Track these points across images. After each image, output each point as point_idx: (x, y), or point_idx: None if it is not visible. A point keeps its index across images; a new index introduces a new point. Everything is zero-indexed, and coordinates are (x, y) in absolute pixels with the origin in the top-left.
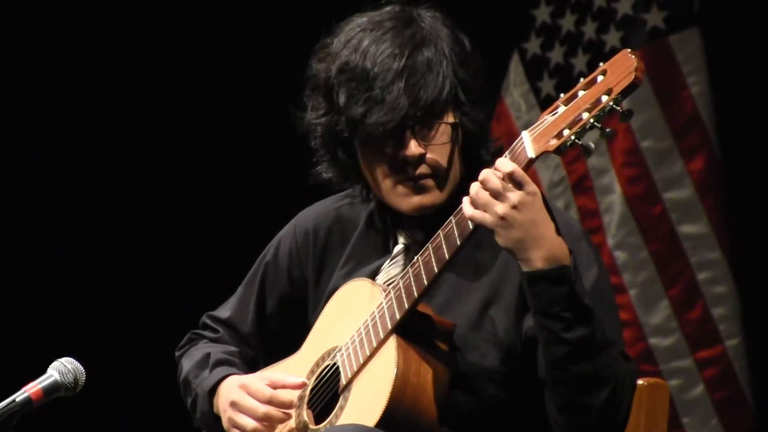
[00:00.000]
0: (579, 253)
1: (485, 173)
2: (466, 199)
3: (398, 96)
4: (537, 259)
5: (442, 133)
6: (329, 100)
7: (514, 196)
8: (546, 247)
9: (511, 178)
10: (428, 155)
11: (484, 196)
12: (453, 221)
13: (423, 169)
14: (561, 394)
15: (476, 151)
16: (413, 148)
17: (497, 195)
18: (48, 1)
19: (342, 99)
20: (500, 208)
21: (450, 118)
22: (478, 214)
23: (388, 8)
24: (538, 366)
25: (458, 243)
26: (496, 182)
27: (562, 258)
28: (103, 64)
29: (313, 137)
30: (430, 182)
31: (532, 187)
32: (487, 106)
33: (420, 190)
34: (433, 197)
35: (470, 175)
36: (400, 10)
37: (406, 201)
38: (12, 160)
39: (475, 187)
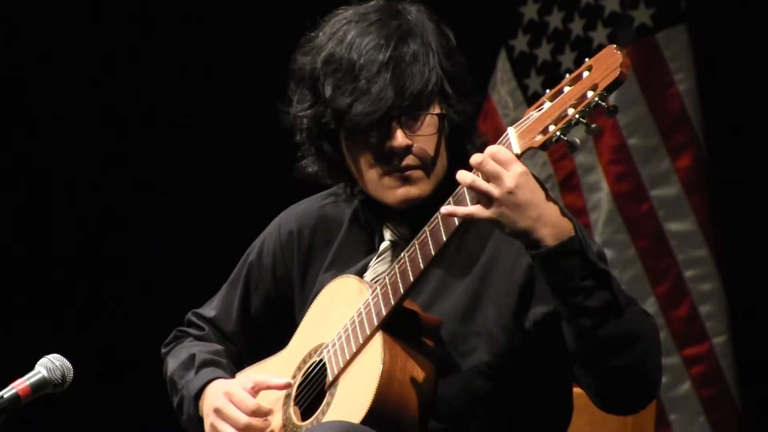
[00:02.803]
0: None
1: (476, 157)
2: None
3: (384, 87)
4: (545, 238)
5: (429, 124)
6: (315, 91)
7: (509, 180)
8: (550, 223)
9: (497, 158)
10: (415, 146)
11: (481, 185)
12: (438, 217)
13: (409, 160)
14: (596, 363)
15: (462, 144)
16: (400, 138)
17: (494, 178)
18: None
19: (328, 90)
20: (496, 192)
21: (436, 110)
22: (476, 210)
23: (373, 2)
24: (567, 342)
25: (444, 239)
26: (491, 166)
27: (567, 230)
28: (91, 61)
29: (298, 131)
30: (416, 173)
31: (520, 166)
32: (473, 100)
33: (406, 181)
34: (419, 189)
35: (456, 168)
36: (385, 4)
37: (392, 193)
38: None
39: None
